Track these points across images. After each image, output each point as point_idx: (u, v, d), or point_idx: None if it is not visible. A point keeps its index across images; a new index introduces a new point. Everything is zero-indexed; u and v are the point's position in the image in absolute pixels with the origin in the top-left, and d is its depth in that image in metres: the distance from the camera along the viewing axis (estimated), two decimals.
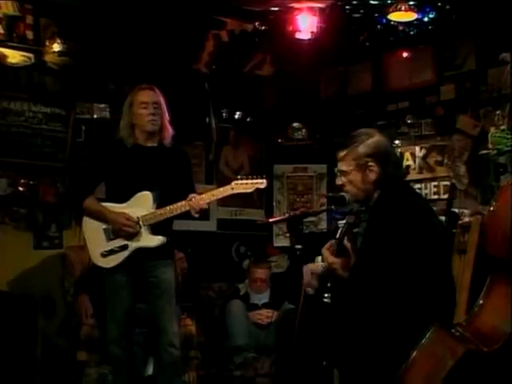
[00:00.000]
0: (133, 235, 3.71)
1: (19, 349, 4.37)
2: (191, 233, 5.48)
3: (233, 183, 3.69)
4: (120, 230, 3.72)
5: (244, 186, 3.67)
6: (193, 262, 5.15)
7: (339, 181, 2.88)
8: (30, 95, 4.94)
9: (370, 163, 2.76)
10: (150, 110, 3.76)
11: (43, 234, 5.02)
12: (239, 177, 3.75)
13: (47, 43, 4.94)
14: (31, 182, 4.94)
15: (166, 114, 3.84)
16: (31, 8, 4.89)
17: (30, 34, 4.89)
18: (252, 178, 3.69)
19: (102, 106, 5.18)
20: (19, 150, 4.90)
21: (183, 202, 3.66)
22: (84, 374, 4.37)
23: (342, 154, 2.82)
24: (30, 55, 4.89)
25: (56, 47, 4.93)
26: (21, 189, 4.90)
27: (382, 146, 2.82)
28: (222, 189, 3.74)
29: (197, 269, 5.24)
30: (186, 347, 4.49)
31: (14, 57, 4.83)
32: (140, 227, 3.72)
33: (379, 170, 2.76)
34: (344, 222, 2.72)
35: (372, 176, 2.76)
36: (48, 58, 4.95)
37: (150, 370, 4.29)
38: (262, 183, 3.68)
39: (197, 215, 3.69)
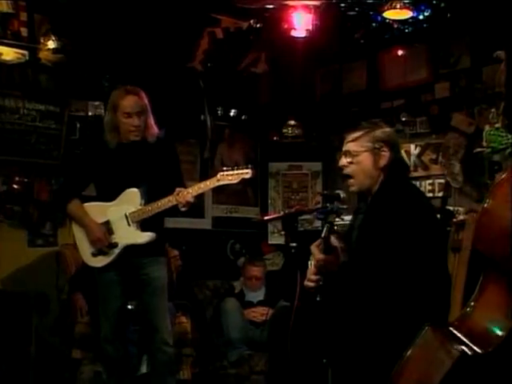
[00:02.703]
0: (106, 247, 3.73)
1: (13, 347, 4.37)
2: (186, 230, 5.49)
3: (218, 175, 3.66)
4: (93, 241, 3.75)
5: (230, 177, 3.64)
6: (188, 260, 5.15)
7: (344, 161, 2.83)
8: (25, 92, 4.93)
9: (383, 148, 2.79)
10: (134, 122, 3.72)
11: (38, 232, 5.01)
12: (225, 168, 3.72)
13: (41, 40, 4.93)
14: (26, 180, 4.93)
15: (151, 116, 3.81)
16: (25, 5, 4.87)
17: (24, 31, 4.88)
18: (238, 169, 3.67)
19: (97, 103, 5.16)
20: (13, 148, 4.89)
21: (170, 197, 3.65)
22: (79, 371, 4.36)
23: (355, 134, 2.82)
24: (25, 52, 4.87)
25: (50, 44, 4.91)
26: (15, 186, 4.89)
27: (396, 137, 2.91)
28: (208, 181, 3.71)
29: (192, 266, 5.25)
30: (181, 345, 4.49)
31: (8, 54, 4.81)
32: (129, 224, 3.73)
33: (390, 157, 2.79)
34: (327, 220, 2.69)
35: (382, 161, 2.79)
36: (42, 55, 4.94)
37: (144, 368, 4.29)
38: (247, 173, 3.64)
39: (184, 209, 3.67)
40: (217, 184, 3.67)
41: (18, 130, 4.91)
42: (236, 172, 3.65)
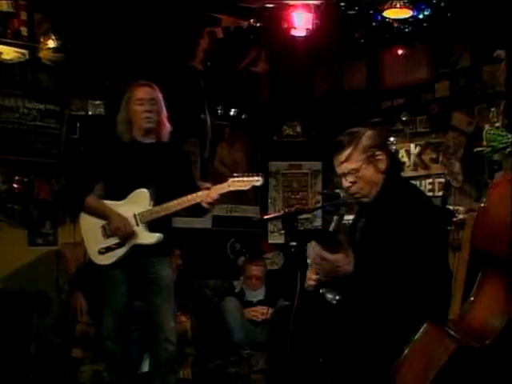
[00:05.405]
0: (127, 237, 3.73)
1: (13, 346, 4.37)
2: (186, 230, 5.48)
3: (229, 181, 3.68)
4: (115, 231, 3.73)
5: (240, 183, 3.67)
6: (188, 259, 5.14)
7: (347, 182, 2.82)
8: (25, 92, 4.93)
9: (377, 152, 2.79)
10: (145, 107, 3.76)
11: (38, 231, 5.01)
12: (235, 174, 3.73)
13: (41, 39, 4.94)
14: (25, 179, 4.93)
15: (164, 111, 3.84)
16: (25, 4, 4.88)
17: (24, 31, 4.89)
18: (248, 176, 3.69)
19: (97, 102, 5.17)
20: (13, 147, 4.89)
21: (195, 194, 3.65)
22: (78, 370, 4.37)
23: (344, 154, 2.81)
24: (25, 51, 4.88)
25: (50, 43, 4.93)
26: (15, 186, 4.89)
27: (380, 136, 2.89)
28: (218, 186, 3.72)
29: (192, 266, 5.24)
30: (181, 344, 4.48)
31: (9, 53, 4.82)
32: (137, 225, 3.73)
33: (387, 159, 2.79)
34: (339, 213, 2.70)
35: (382, 165, 2.79)
36: (42, 54, 4.94)
37: (145, 367, 4.29)
38: (257, 181, 3.67)
39: (208, 207, 3.70)
40: (227, 190, 3.69)
41: (18, 130, 4.91)
42: (247, 179, 3.67)
